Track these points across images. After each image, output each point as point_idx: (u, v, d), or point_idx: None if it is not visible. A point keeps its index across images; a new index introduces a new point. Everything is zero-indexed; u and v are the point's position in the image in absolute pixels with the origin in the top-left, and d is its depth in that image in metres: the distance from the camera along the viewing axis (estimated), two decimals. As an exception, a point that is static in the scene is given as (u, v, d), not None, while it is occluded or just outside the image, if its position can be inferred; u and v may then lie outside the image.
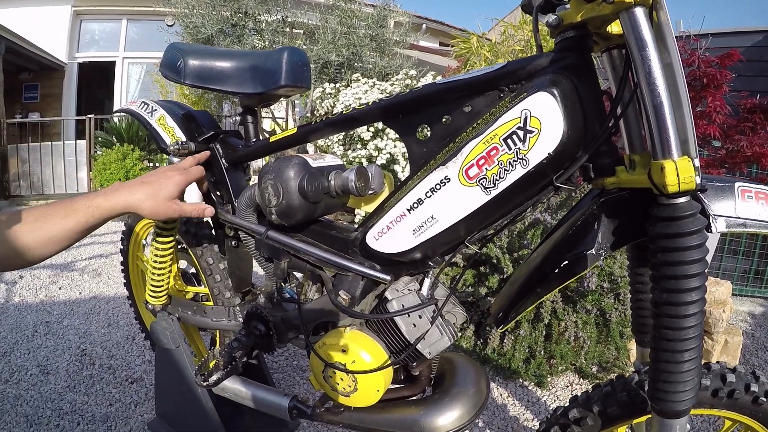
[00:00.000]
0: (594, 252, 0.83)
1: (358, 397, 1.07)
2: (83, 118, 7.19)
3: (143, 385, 2.10)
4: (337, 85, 4.66)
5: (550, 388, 2.17)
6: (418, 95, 0.93)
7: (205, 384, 1.19)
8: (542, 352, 2.18)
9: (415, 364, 1.07)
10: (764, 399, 0.92)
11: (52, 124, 8.03)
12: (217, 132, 1.31)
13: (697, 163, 0.71)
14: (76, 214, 0.85)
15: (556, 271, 0.86)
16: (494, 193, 0.83)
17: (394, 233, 0.93)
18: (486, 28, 7.16)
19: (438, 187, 0.86)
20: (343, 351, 1.04)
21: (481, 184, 0.83)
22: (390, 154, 3.59)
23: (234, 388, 1.32)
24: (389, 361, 1.03)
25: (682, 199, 0.71)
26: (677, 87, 0.72)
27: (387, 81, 4.48)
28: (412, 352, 1.01)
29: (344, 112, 1.04)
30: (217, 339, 1.66)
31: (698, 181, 0.69)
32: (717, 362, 0.98)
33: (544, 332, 2.18)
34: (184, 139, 1.32)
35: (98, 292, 3.30)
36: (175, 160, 1.27)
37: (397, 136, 0.85)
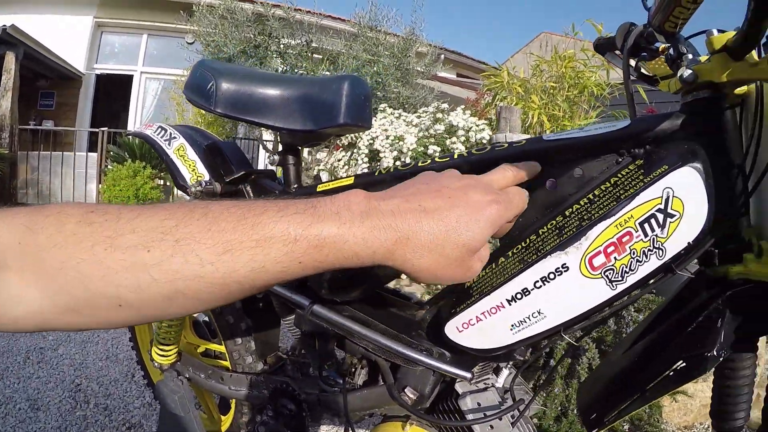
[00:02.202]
0: (715, 353, 0.68)
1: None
2: (97, 130, 7.12)
3: (141, 432, 1.90)
4: None
5: None
6: (519, 151, 0.75)
7: None
8: (575, 411, 2.00)
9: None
10: None
11: (65, 134, 8.01)
12: (249, 171, 1.11)
13: None
14: (274, 247, 0.41)
15: (671, 374, 0.71)
16: (620, 288, 0.66)
17: (485, 327, 0.73)
18: (499, 61, 7.16)
19: (552, 276, 0.67)
20: (401, 451, 0.86)
21: (607, 276, 0.65)
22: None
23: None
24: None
25: None
26: None
27: (414, 112, 4.33)
28: (485, 458, 0.82)
29: (420, 164, 0.83)
30: (232, 404, 1.45)
31: None
32: None
33: (578, 389, 2.00)
34: (207, 177, 1.13)
35: (98, 319, 3.12)
36: None
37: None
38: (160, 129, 1.26)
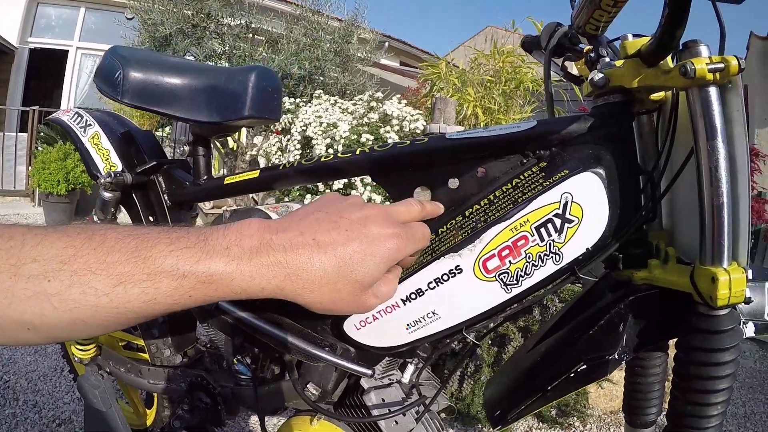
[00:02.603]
0: (617, 356, 0.69)
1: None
2: (27, 109, 6.75)
3: (72, 428, 1.86)
4: (297, 100, 4.42)
5: None
6: (420, 150, 0.73)
7: None
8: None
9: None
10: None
11: (-5, 112, 7.55)
12: (161, 162, 1.08)
13: (750, 274, 0.61)
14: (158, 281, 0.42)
15: (572, 375, 0.72)
16: (515, 291, 0.66)
17: (382, 326, 0.73)
18: (444, 52, 7.18)
19: (445, 278, 0.67)
20: (310, 447, 0.85)
21: (501, 279, 0.65)
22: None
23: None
24: (363, 460, 0.84)
25: (724, 311, 0.61)
26: (737, 182, 0.61)
27: (350, 100, 4.29)
28: (393, 452, 0.83)
29: (323, 159, 0.82)
30: (155, 397, 1.42)
31: (747, 294, 0.60)
32: None
33: (485, 384, 2.08)
34: (119, 167, 1.09)
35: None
36: (107, 195, 1.04)
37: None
38: (76, 115, 1.21)
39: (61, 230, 0.42)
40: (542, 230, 0.63)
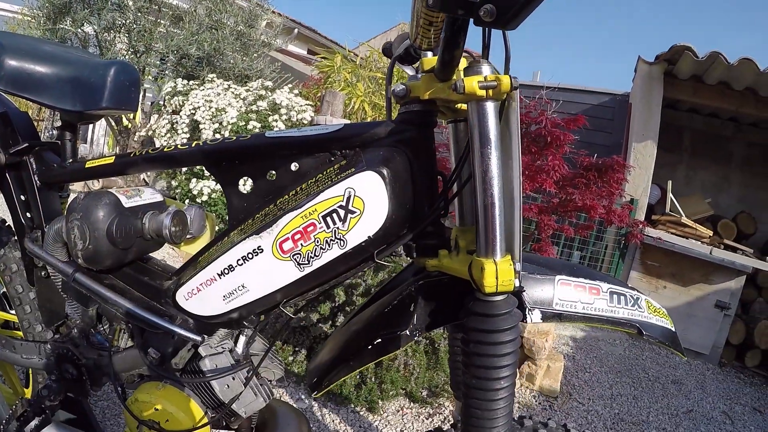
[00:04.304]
0: (408, 333, 0.80)
1: (176, 455, 0.98)
2: None
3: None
4: (191, 82, 4.39)
5: (382, 412, 2.21)
6: (243, 145, 0.86)
7: None
8: (373, 379, 2.20)
9: (233, 420, 0.99)
10: (573, 449, 0.96)
11: None
12: (33, 144, 1.13)
13: (519, 266, 0.70)
14: None
15: (369, 347, 0.83)
16: (308, 270, 0.78)
17: (204, 296, 0.85)
18: (355, 44, 7.22)
19: (250, 256, 0.80)
20: (156, 409, 0.95)
21: (295, 259, 0.78)
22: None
23: (51, 437, 1.16)
24: (205, 420, 0.95)
25: (498, 297, 0.70)
26: (512, 185, 0.71)
27: (244, 86, 4.30)
28: (228, 411, 0.94)
29: (165, 150, 0.93)
30: (30, 376, 1.47)
31: (517, 284, 0.68)
32: (530, 417, 1.03)
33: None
34: (-6, 148, 1.14)
35: None
36: None
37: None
38: (-47, 95, 1.24)
39: None
40: (328, 219, 0.75)
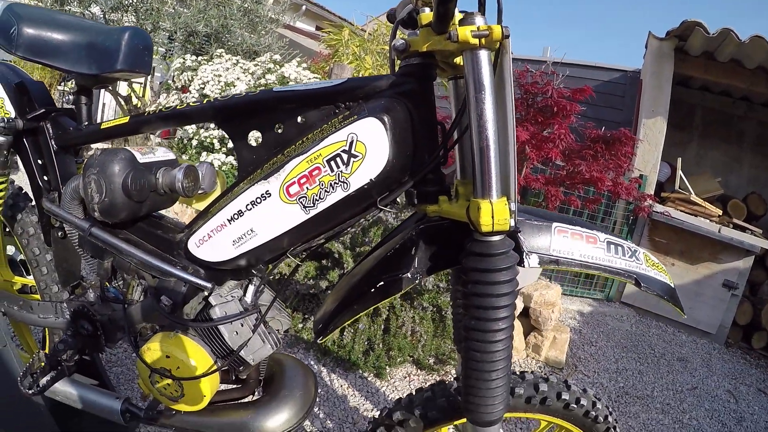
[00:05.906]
0: (410, 276, 0.84)
1: (185, 402, 1.03)
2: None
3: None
4: (199, 58, 4.43)
5: (389, 378, 2.26)
6: (252, 100, 0.90)
7: (30, 392, 1.11)
8: (381, 345, 2.25)
9: (241, 368, 1.04)
10: (575, 405, 1.00)
11: None
12: (49, 109, 1.18)
13: (513, 206, 0.73)
14: None
15: (372, 290, 0.87)
16: (313, 212, 0.82)
17: (215, 242, 0.89)
18: (362, 21, 7.22)
19: (258, 201, 0.83)
20: (168, 357, 0.99)
21: (301, 202, 0.81)
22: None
23: (64, 391, 1.21)
24: (214, 367, 0.99)
25: (495, 238, 0.74)
26: (507, 131, 0.74)
27: (252, 60, 4.32)
28: (236, 358, 0.99)
29: (178, 107, 0.97)
30: (47, 336, 1.53)
31: (512, 224, 0.72)
32: (532, 372, 1.05)
33: (383, 326, 2.26)
34: (12, 114, 1.19)
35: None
36: (1, 139, 1.15)
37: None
38: (-28, 66, 1.29)
39: None
40: (332, 162, 0.78)
